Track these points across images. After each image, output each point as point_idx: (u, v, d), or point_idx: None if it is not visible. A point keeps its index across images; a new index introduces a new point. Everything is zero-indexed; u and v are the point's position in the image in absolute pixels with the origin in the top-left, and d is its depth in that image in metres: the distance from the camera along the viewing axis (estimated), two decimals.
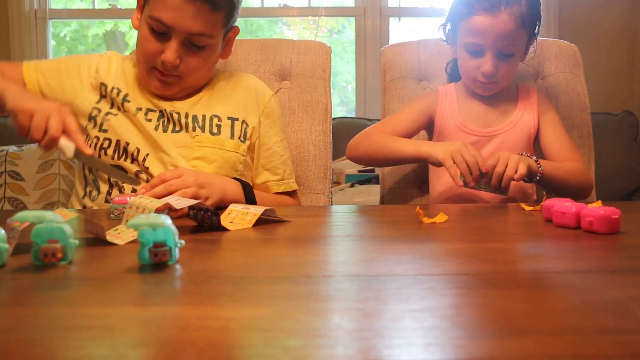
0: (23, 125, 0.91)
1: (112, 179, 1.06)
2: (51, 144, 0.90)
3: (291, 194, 1.22)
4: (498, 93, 1.23)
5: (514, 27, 1.11)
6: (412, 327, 0.37)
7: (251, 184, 1.14)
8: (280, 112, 1.23)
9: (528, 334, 0.36)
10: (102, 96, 1.12)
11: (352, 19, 2.66)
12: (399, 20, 2.61)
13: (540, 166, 1.09)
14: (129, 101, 1.10)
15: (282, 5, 2.66)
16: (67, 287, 0.49)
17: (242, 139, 1.13)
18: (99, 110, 1.10)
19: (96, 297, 0.46)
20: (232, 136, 1.12)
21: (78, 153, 0.91)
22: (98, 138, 1.08)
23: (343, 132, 2.28)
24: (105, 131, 1.08)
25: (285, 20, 2.83)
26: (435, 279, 0.49)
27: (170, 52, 1.04)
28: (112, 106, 1.11)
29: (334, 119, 1.62)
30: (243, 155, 1.13)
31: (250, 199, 1.04)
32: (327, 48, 1.44)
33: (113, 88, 1.11)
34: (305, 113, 1.39)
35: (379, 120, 1.32)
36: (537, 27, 1.19)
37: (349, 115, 2.58)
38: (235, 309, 0.42)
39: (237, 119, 1.14)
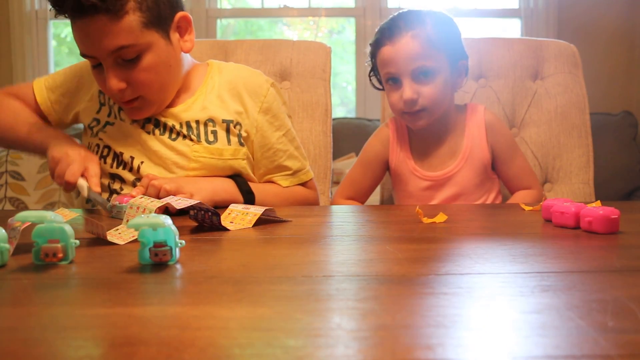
0: (51, 171, 1.00)
1: (111, 186, 1.07)
2: (68, 187, 0.96)
3: (304, 184, 1.17)
4: (444, 127, 1.19)
5: (419, 46, 1.10)
6: (411, 326, 0.38)
7: (255, 181, 1.12)
8: (280, 102, 1.15)
9: (527, 333, 0.36)
10: (102, 104, 1.11)
11: (352, 20, 2.67)
12: None
13: None
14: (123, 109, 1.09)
15: (282, 6, 2.67)
16: (67, 287, 0.50)
17: (240, 142, 1.08)
18: (98, 122, 1.10)
19: (96, 297, 0.46)
20: (229, 142, 1.07)
21: (90, 193, 0.96)
22: (98, 146, 1.08)
23: (343, 132, 2.28)
24: (102, 140, 1.08)
25: (285, 21, 2.83)
26: (435, 279, 0.50)
27: (109, 80, 0.97)
28: (109, 114, 1.09)
29: (334, 119, 1.62)
30: (244, 160, 1.09)
31: (247, 195, 1.04)
32: (327, 48, 1.44)
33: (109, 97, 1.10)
34: (305, 113, 1.39)
35: (379, 120, 1.32)
36: (458, 47, 1.16)
37: (349, 115, 2.58)
38: (235, 309, 0.42)
39: (232, 121, 1.07)
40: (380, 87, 1.23)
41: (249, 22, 2.83)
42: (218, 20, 2.61)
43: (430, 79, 1.12)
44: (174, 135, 1.06)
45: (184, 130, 1.05)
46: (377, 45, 1.16)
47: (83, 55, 0.99)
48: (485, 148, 1.18)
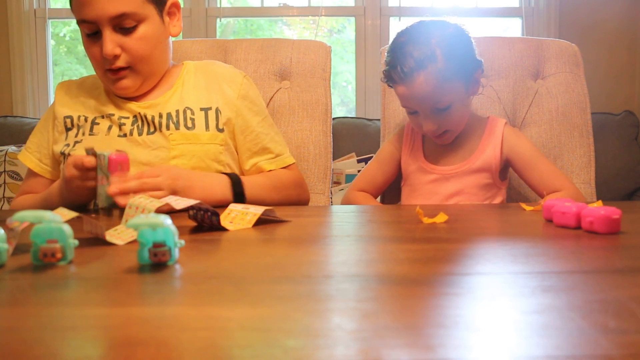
0: (71, 179, 0.94)
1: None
2: (87, 159, 0.92)
3: (286, 167, 1.20)
4: (463, 131, 1.20)
5: (434, 86, 1.08)
6: (412, 327, 0.37)
7: (239, 172, 1.15)
8: (257, 91, 1.22)
9: (528, 334, 0.36)
10: (68, 129, 1.13)
11: (352, 19, 2.66)
12: (399, 20, 2.61)
13: None
14: (98, 123, 1.12)
15: (282, 5, 2.66)
16: (66, 287, 0.49)
17: (218, 128, 1.12)
18: (68, 145, 1.12)
19: (96, 297, 0.46)
20: (207, 128, 1.11)
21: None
22: None
23: (343, 132, 2.28)
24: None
25: (285, 20, 2.83)
26: (436, 279, 0.49)
27: (106, 44, 1.04)
28: (77, 134, 1.12)
29: (334, 119, 1.62)
30: (222, 145, 1.12)
31: (239, 196, 1.03)
32: (327, 48, 1.44)
33: (80, 117, 1.13)
34: (305, 113, 1.38)
35: (379, 120, 1.32)
36: (471, 63, 1.14)
37: (349, 115, 2.58)
38: (235, 309, 0.42)
39: (209, 108, 1.13)
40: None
41: (249, 21, 2.83)
42: (217, 20, 2.61)
43: (449, 110, 1.12)
44: (152, 129, 1.09)
45: (164, 120, 1.09)
46: (391, 80, 1.14)
47: (81, 21, 1.05)
48: (497, 156, 1.18)
